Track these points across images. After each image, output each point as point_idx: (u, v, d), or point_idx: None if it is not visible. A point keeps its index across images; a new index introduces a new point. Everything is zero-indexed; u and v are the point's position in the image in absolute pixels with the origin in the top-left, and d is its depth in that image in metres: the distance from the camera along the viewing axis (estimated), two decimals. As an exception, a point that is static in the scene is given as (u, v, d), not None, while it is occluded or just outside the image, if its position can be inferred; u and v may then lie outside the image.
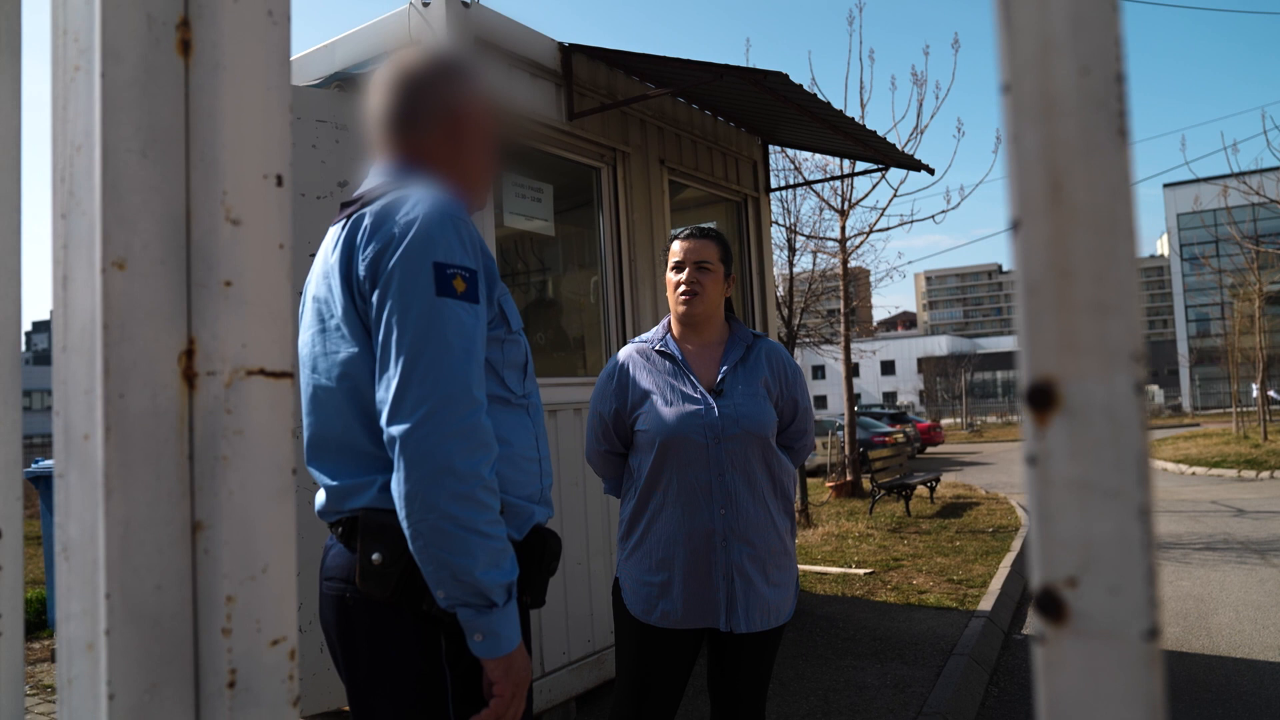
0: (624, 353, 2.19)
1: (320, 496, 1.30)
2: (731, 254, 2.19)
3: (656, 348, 2.15)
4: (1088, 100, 0.37)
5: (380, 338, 1.18)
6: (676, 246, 2.15)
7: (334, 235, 1.29)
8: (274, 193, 0.67)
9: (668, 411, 2.04)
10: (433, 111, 1.35)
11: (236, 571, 0.63)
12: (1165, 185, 61.70)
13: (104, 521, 0.60)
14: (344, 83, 3.39)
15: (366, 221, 1.22)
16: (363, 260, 1.20)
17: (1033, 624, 0.39)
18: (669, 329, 2.18)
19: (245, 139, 0.66)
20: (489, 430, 1.18)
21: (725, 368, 2.10)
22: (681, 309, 2.12)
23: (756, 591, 2.01)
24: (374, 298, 1.19)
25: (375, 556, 1.19)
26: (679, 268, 2.13)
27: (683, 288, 2.11)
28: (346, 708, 3.34)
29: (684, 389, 2.07)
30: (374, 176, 1.37)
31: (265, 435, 0.65)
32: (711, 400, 2.05)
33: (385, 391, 1.16)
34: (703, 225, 2.21)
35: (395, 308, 1.17)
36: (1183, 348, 59.64)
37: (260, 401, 0.65)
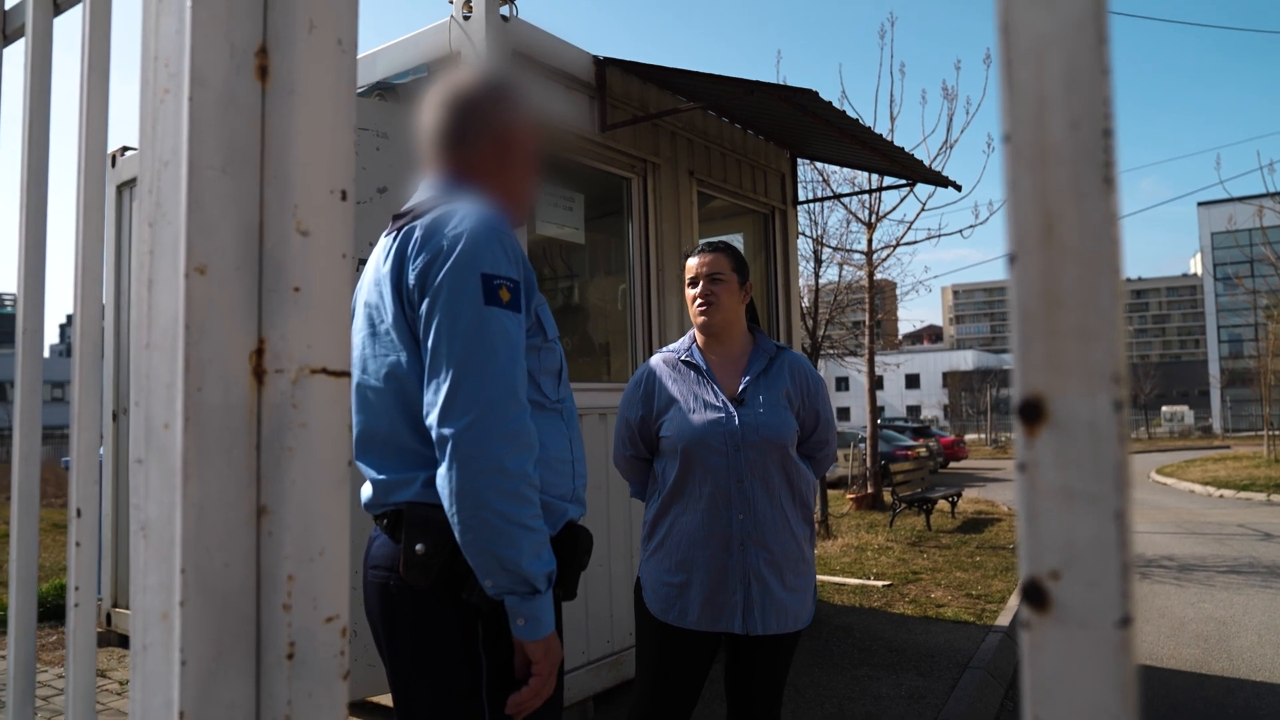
0: (652, 362, 2.27)
1: (366, 490, 1.38)
2: (745, 263, 2.26)
3: (682, 358, 2.22)
4: (1078, 152, 0.42)
5: (430, 344, 1.25)
6: (691, 263, 2.23)
7: (385, 245, 1.37)
8: (339, 206, 0.72)
9: (690, 419, 2.11)
10: (482, 130, 1.43)
11: (297, 553, 0.68)
12: (1200, 204, 60.96)
13: (180, 503, 0.65)
14: (385, 92, 3.48)
15: (417, 234, 1.30)
16: (413, 270, 1.27)
17: (1020, 612, 0.44)
18: (695, 340, 2.25)
19: (315, 157, 0.71)
20: (532, 431, 1.25)
21: (748, 378, 2.16)
22: (701, 320, 2.19)
23: (773, 595, 2.07)
24: (423, 306, 1.26)
25: (419, 547, 1.27)
26: (694, 283, 2.21)
27: (699, 301, 2.19)
28: (371, 699, 3.42)
29: (706, 397, 2.14)
30: (424, 190, 1.45)
31: (326, 429, 0.70)
32: (733, 409, 2.11)
33: (435, 395, 1.23)
34: (712, 240, 2.29)
35: (445, 316, 1.24)
36: (1214, 368, 58.78)
37: (322, 398, 0.70)
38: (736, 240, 5.68)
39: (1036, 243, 0.43)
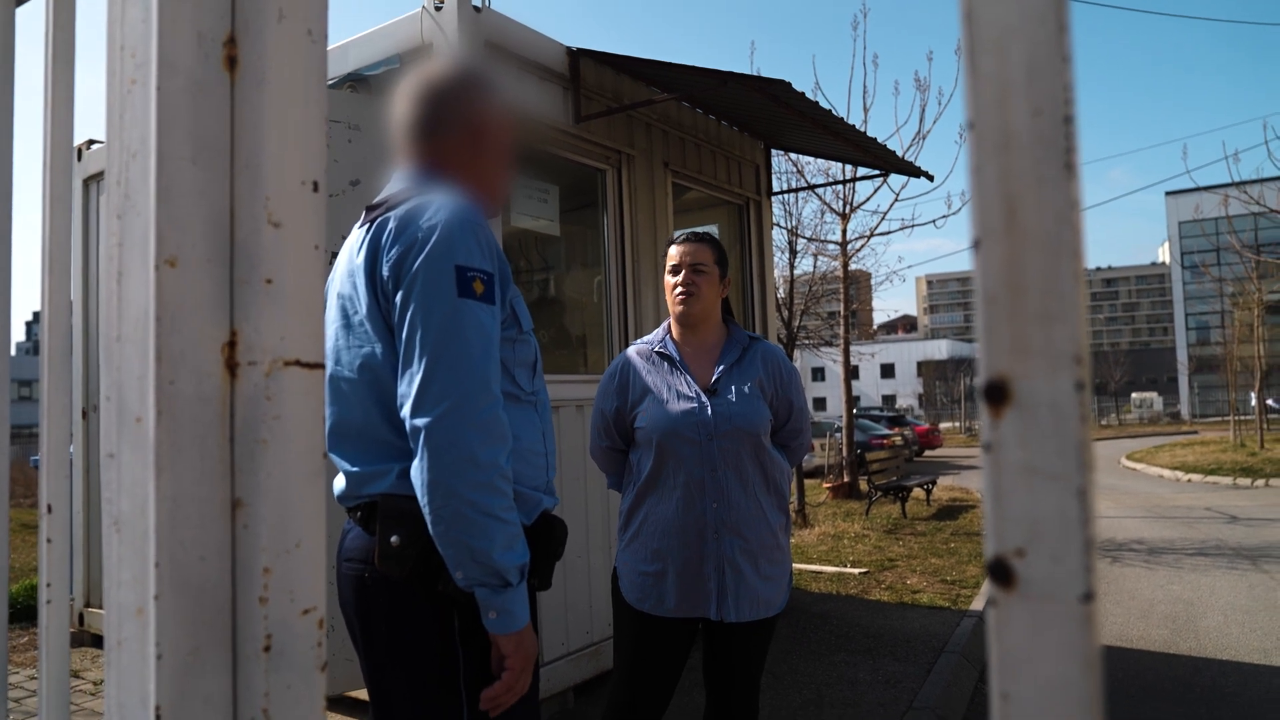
0: (626, 353, 2.28)
1: (340, 482, 1.37)
2: (726, 257, 2.27)
3: (656, 349, 2.23)
4: (1039, 139, 0.43)
5: (404, 335, 1.25)
6: (673, 250, 2.23)
7: (359, 237, 1.36)
8: (310, 198, 0.72)
9: (664, 409, 2.13)
10: (454, 121, 1.43)
11: (273, 545, 0.68)
12: (1167, 193, 61.81)
13: (154, 497, 0.65)
14: (357, 83, 3.45)
15: (391, 225, 1.29)
16: (387, 261, 1.27)
17: (987, 589, 0.45)
18: (669, 331, 2.26)
19: (286, 148, 0.70)
20: (505, 423, 1.26)
21: (721, 368, 2.18)
22: (679, 309, 2.20)
23: (747, 583, 2.09)
24: (397, 297, 1.26)
25: (394, 539, 1.26)
26: (675, 270, 2.21)
27: (680, 289, 2.19)
28: (350, 694, 3.41)
29: (680, 388, 2.15)
30: (396, 181, 1.44)
31: (300, 421, 0.70)
32: (705, 399, 2.13)
33: (409, 386, 1.23)
34: (698, 230, 2.29)
35: (419, 307, 1.24)
36: (1182, 355, 59.74)
37: (296, 390, 0.70)
38: (712, 231, 5.69)
39: (1000, 229, 0.44)
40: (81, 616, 5.04)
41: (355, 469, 1.33)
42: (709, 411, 2.11)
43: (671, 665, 2.15)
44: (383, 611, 1.32)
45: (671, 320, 2.27)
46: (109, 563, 0.70)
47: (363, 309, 1.31)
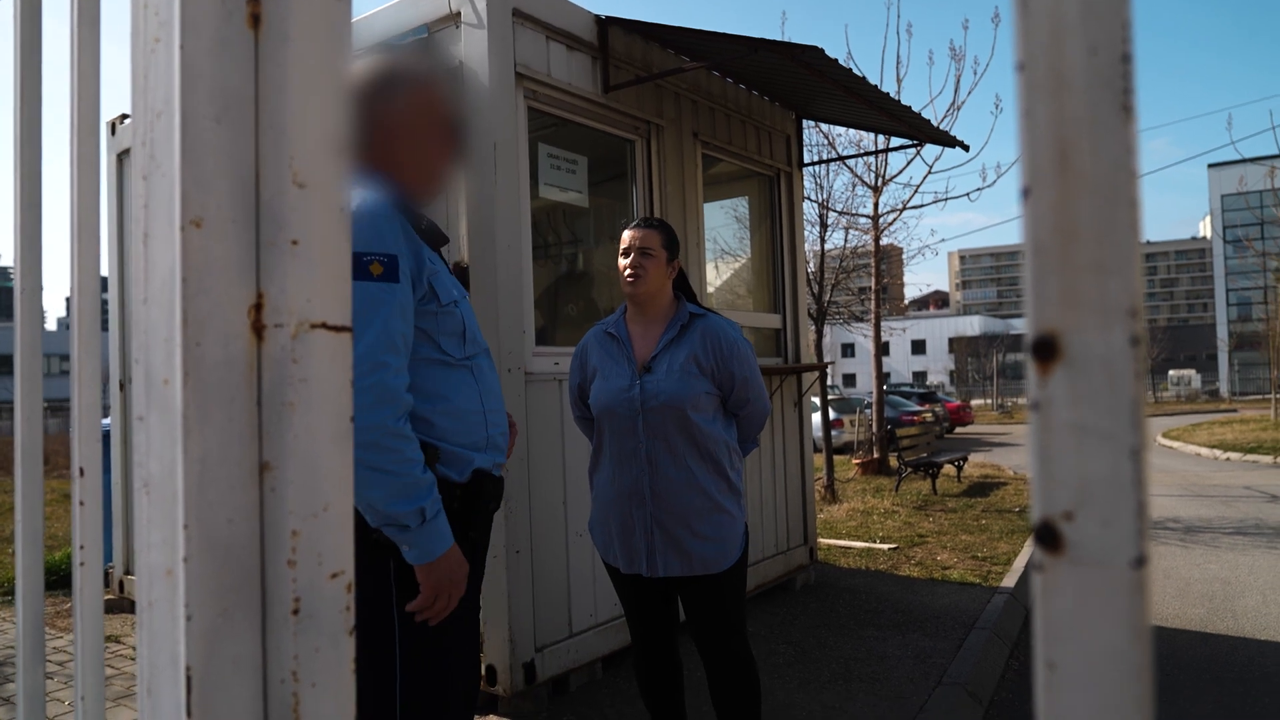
0: (589, 334, 2.51)
1: None
2: (676, 241, 2.44)
3: (608, 329, 2.43)
4: (1095, 78, 0.41)
5: None
6: (625, 235, 2.40)
7: None
8: (335, 158, 0.71)
9: (604, 387, 2.37)
10: (366, 124, 1.56)
11: (300, 508, 0.67)
12: (1210, 165, 60.25)
13: (182, 459, 0.65)
14: (383, 53, 3.43)
15: None
16: None
17: (1034, 554, 0.43)
18: (624, 312, 2.46)
19: (310, 107, 0.69)
20: (393, 388, 1.40)
21: (660, 346, 2.36)
22: (628, 289, 2.38)
23: (677, 543, 2.29)
24: None
25: None
26: (626, 253, 2.38)
27: (629, 271, 2.36)
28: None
29: (620, 367, 2.37)
30: None
31: (327, 384, 0.69)
32: (638, 377, 2.33)
33: None
34: (649, 217, 2.48)
35: None
36: (1222, 332, 58.50)
37: (323, 353, 0.69)
38: (742, 204, 5.64)
39: (1051, 175, 0.41)
40: (121, 584, 5.16)
41: None
42: (638, 389, 2.32)
43: (654, 609, 2.41)
44: None
45: (626, 298, 2.44)
46: (139, 525, 0.71)
47: None
